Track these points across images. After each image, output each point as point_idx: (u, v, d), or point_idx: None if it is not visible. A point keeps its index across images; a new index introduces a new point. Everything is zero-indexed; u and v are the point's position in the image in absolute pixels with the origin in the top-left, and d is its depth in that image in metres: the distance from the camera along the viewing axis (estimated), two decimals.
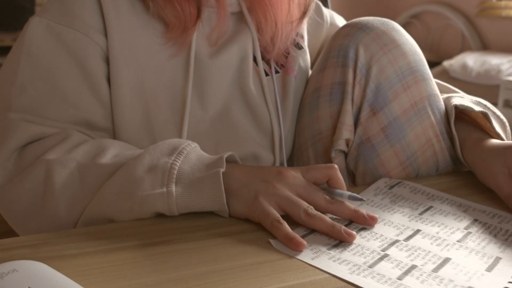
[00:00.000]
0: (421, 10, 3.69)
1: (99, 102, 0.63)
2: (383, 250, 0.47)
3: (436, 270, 0.44)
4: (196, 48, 0.66)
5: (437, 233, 0.51)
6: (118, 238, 0.49)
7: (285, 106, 0.73)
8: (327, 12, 0.86)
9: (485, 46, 3.30)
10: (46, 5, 0.64)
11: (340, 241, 0.49)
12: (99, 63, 0.62)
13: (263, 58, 0.72)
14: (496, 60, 2.89)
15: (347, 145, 0.68)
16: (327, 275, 0.43)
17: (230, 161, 0.56)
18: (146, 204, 0.51)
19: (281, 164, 0.73)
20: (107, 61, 0.63)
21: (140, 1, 0.64)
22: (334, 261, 0.45)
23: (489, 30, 3.26)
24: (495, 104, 2.74)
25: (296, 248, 0.47)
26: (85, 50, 0.62)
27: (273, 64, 0.73)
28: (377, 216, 0.53)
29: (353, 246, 0.48)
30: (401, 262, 0.45)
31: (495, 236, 0.51)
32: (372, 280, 0.42)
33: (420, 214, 0.55)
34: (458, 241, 0.49)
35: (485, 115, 0.66)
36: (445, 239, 0.49)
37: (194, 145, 0.56)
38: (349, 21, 0.71)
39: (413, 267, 0.44)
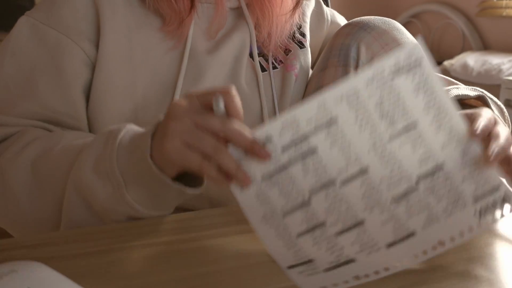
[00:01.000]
0: (421, 10, 3.69)
1: (68, 103, 0.63)
2: (310, 194, 0.44)
3: (339, 234, 0.43)
4: (193, 43, 0.66)
5: (380, 180, 0.44)
6: (118, 238, 0.49)
7: (283, 102, 0.73)
8: (328, 10, 0.86)
9: (485, 46, 3.30)
10: (38, 4, 0.65)
11: (277, 170, 0.44)
12: (77, 67, 0.63)
13: (261, 54, 0.72)
14: (496, 60, 2.88)
15: None
16: None
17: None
18: (109, 212, 0.52)
19: None
20: (92, 66, 0.64)
21: None
22: (258, 198, 0.44)
23: (490, 29, 3.26)
24: None
25: (244, 183, 0.44)
26: (64, 53, 0.62)
27: (270, 59, 0.73)
28: (270, 154, 0.44)
29: (287, 179, 0.44)
30: (314, 215, 0.44)
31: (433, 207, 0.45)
32: (273, 232, 0.43)
33: (390, 139, 0.45)
34: (393, 197, 0.44)
35: (481, 98, 0.66)
36: (380, 191, 0.44)
37: (125, 127, 0.53)
38: (351, 20, 0.71)
39: (320, 224, 0.43)
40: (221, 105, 0.45)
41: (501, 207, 0.45)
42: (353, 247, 0.43)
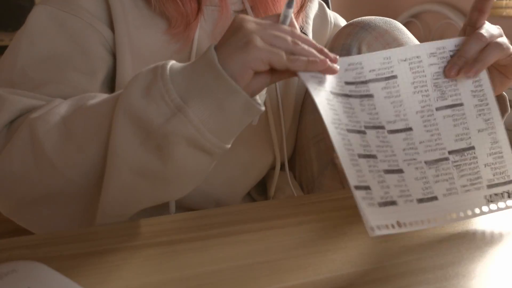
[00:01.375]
0: (421, 10, 3.69)
1: (95, 86, 0.62)
2: (365, 127, 0.48)
3: (386, 172, 0.46)
4: (199, 46, 0.66)
5: (420, 142, 0.50)
6: (118, 238, 0.49)
7: (287, 103, 0.73)
8: (331, 13, 0.86)
9: None
10: None
11: (341, 94, 0.48)
12: (101, 52, 0.63)
13: None
14: None
15: None
16: (328, 275, 0.43)
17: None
18: (170, 138, 0.46)
19: (282, 164, 0.73)
20: (113, 54, 0.63)
21: None
22: (327, 102, 0.46)
23: None
24: None
25: (329, 63, 0.47)
26: (88, 37, 0.62)
27: None
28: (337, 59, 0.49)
29: (348, 105, 0.48)
30: (368, 146, 0.47)
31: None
32: (341, 140, 0.45)
33: (437, 109, 0.52)
34: (426, 161, 0.50)
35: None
36: (417, 151, 0.50)
37: (170, 61, 0.50)
38: (351, 21, 0.71)
39: (373, 156, 0.47)
40: (290, 12, 0.50)
41: (510, 199, 0.51)
42: (395, 190, 0.47)
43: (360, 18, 0.70)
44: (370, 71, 0.50)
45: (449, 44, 0.53)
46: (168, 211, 0.64)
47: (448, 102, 0.51)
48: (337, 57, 0.49)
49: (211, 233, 0.50)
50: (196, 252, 0.46)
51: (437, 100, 0.51)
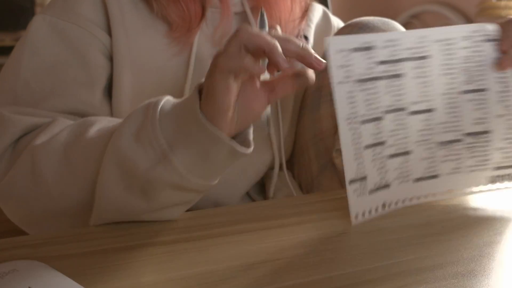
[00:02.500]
0: (421, 10, 3.69)
1: (97, 96, 0.62)
2: (385, 112, 0.50)
3: (390, 157, 0.49)
4: (198, 48, 0.66)
5: (439, 123, 0.52)
6: (118, 238, 0.49)
7: (285, 104, 0.73)
8: (334, 19, 0.86)
9: None
10: (49, 3, 0.65)
11: (369, 79, 0.49)
12: (101, 59, 0.63)
13: None
14: None
15: None
16: (328, 275, 0.43)
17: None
18: (154, 184, 0.47)
19: (280, 164, 0.73)
20: (111, 59, 0.63)
21: (143, 1, 0.65)
22: (349, 96, 0.48)
23: None
24: None
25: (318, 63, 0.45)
26: (88, 45, 0.62)
27: None
28: (323, 62, 0.46)
29: (373, 89, 0.49)
30: (380, 132, 0.49)
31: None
32: (350, 136, 0.47)
33: (462, 92, 0.53)
34: (440, 142, 0.52)
35: None
36: (434, 133, 0.52)
37: (164, 98, 0.50)
38: (350, 21, 0.71)
39: (382, 143, 0.49)
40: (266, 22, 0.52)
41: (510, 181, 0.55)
42: (394, 173, 0.49)
43: (358, 18, 0.70)
44: (406, 49, 0.50)
45: (485, 28, 0.53)
46: None
47: (473, 86, 0.52)
48: (374, 34, 0.51)
49: (211, 233, 0.50)
50: (196, 252, 0.46)
51: (463, 83, 0.52)
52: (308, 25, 0.79)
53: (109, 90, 0.65)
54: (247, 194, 0.74)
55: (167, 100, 0.49)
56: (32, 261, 0.38)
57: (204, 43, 0.67)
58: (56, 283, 0.36)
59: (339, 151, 0.68)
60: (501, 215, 0.56)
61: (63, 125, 0.57)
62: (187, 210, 0.59)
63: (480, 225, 0.53)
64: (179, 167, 0.46)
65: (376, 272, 0.43)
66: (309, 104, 0.73)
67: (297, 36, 0.74)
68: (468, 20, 3.39)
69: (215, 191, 0.68)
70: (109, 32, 0.63)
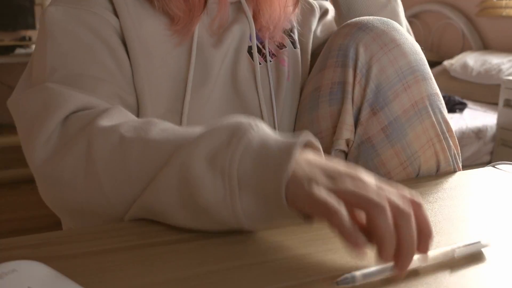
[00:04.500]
0: (421, 10, 3.69)
1: (125, 78, 0.63)
2: None
3: None
4: (199, 38, 0.68)
5: None
6: (118, 238, 0.49)
7: (278, 94, 0.74)
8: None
9: (485, 46, 3.30)
10: None
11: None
12: (119, 41, 0.64)
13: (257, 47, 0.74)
14: (496, 60, 2.88)
15: (347, 145, 0.68)
16: (328, 275, 0.43)
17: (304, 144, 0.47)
18: (210, 212, 0.46)
19: None
20: (124, 42, 0.64)
21: None
22: None
23: (490, 29, 3.26)
24: (495, 104, 2.74)
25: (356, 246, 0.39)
26: (105, 28, 0.63)
27: (267, 53, 0.74)
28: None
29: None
30: None
31: None
32: None
33: None
34: None
35: None
36: None
37: (256, 125, 0.47)
38: (349, 21, 0.71)
39: None
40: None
41: None
42: None
43: (358, 18, 0.70)
44: None
45: None
46: None
47: None
48: None
49: (211, 233, 0.50)
50: (196, 252, 0.46)
51: None
52: (309, 28, 0.81)
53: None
54: None
55: (259, 130, 0.46)
56: (32, 262, 0.38)
57: (203, 33, 0.69)
58: (56, 284, 0.36)
59: (337, 151, 0.69)
60: (501, 215, 0.56)
61: (124, 116, 0.55)
62: None
63: (481, 225, 0.53)
64: (239, 211, 0.45)
65: None
66: (308, 104, 0.73)
67: (285, 25, 0.75)
68: (468, 19, 3.39)
69: None
70: (118, 18, 0.64)
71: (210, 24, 0.70)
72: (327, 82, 0.70)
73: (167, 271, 0.43)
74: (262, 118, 0.71)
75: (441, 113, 0.68)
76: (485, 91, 2.88)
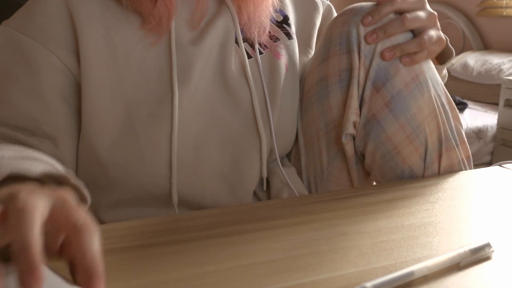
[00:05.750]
0: None
1: (44, 111, 0.62)
2: None
3: None
4: (177, 35, 0.66)
5: None
6: (118, 238, 0.49)
7: (274, 89, 0.72)
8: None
9: (486, 46, 3.30)
10: (15, 13, 0.66)
11: None
12: (53, 75, 0.63)
13: (245, 39, 0.72)
14: (497, 60, 2.88)
15: (354, 127, 0.69)
16: (328, 275, 0.43)
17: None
18: None
19: (272, 150, 0.72)
20: (70, 73, 0.63)
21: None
22: None
23: (490, 29, 3.26)
24: (496, 104, 2.74)
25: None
26: (40, 60, 0.62)
27: (256, 45, 0.72)
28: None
29: None
30: None
31: None
32: None
33: None
34: None
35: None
36: None
37: None
38: (342, 11, 0.72)
39: None
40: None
41: None
42: None
43: (349, 6, 0.71)
44: None
45: None
46: (171, 202, 0.64)
47: None
48: None
49: (211, 233, 0.50)
50: (196, 252, 0.46)
51: None
52: (314, 23, 0.80)
53: (69, 101, 0.64)
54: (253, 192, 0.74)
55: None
56: None
57: (182, 29, 0.67)
58: (55, 284, 0.36)
59: (347, 136, 0.69)
60: (501, 215, 0.56)
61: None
62: (192, 209, 0.58)
63: (481, 225, 0.53)
64: None
65: (376, 272, 0.43)
66: (315, 95, 0.73)
67: (268, 12, 0.73)
68: (469, 19, 3.38)
69: (216, 188, 0.68)
70: (76, 38, 0.62)
71: (191, 18, 0.68)
72: (334, 71, 0.70)
73: (167, 271, 0.43)
74: (254, 114, 0.69)
75: (439, 85, 0.70)
76: (485, 91, 2.88)
